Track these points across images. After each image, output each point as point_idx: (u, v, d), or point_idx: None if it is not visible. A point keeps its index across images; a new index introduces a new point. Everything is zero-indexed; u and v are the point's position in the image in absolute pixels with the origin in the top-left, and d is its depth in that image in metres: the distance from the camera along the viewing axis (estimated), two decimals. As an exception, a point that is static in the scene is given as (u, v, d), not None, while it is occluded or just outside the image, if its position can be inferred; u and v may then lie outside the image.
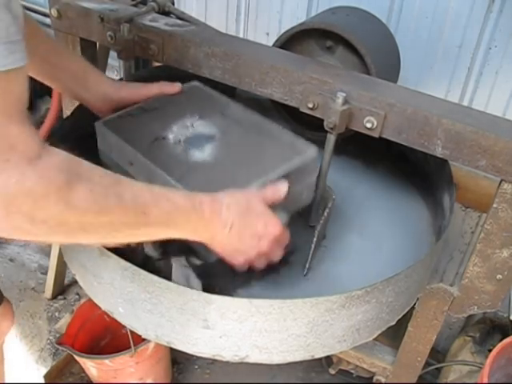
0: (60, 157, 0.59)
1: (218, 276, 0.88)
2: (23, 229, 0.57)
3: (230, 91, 1.08)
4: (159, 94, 0.99)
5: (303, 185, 0.89)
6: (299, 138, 0.90)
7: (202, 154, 0.88)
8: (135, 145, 0.86)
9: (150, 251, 0.86)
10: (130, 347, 1.38)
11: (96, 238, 0.66)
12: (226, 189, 0.77)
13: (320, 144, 0.91)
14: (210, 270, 0.87)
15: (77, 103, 1.07)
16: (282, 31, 1.05)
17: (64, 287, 1.98)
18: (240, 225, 0.76)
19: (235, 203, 0.76)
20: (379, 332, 0.90)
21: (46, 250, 2.07)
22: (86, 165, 0.62)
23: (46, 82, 0.97)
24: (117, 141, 0.87)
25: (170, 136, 0.90)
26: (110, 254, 0.78)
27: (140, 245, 0.85)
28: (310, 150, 0.87)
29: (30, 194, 0.55)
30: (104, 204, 0.62)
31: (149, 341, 1.39)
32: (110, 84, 0.98)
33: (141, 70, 1.56)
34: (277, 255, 0.83)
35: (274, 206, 0.80)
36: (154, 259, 0.86)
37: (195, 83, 1.03)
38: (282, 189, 0.80)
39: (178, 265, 0.85)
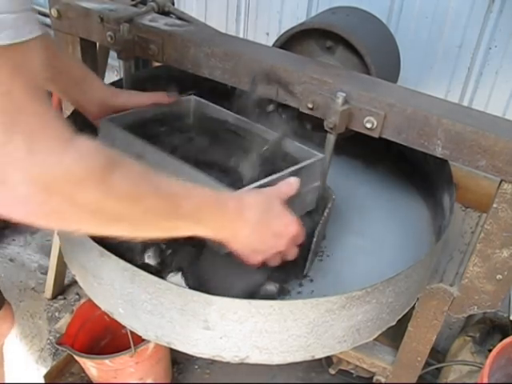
0: (93, 141, 0.56)
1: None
2: (61, 213, 0.54)
3: (229, 91, 1.07)
4: (155, 103, 0.98)
5: (308, 188, 0.89)
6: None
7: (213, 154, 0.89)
8: (143, 138, 0.85)
9: (150, 261, 0.86)
10: (129, 347, 1.38)
11: (127, 229, 0.64)
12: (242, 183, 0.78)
13: (320, 144, 0.91)
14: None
15: (76, 104, 1.06)
16: (282, 31, 1.05)
17: (64, 287, 1.98)
18: (262, 225, 0.76)
19: (258, 203, 0.75)
20: (379, 332, 0.90)
21: (45, 250, 2.07)
22: (117, 152, 0.59)
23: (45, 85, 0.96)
24: (124, 135, 0.85)
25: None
26: (110, 254, 0.78)
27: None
28: (317, 155, 0.89)
29: (71, 175, 0.52)
30: (140, 191, 0.60)
31: (149, 341, 1.39)
32: (106, 90, 0.97)
33: (141, 69, 1.56)
34: (292, 253, 0.83)
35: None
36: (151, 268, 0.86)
37: (193, 97, 1.04)
38: (294, 183, 0.81)
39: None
